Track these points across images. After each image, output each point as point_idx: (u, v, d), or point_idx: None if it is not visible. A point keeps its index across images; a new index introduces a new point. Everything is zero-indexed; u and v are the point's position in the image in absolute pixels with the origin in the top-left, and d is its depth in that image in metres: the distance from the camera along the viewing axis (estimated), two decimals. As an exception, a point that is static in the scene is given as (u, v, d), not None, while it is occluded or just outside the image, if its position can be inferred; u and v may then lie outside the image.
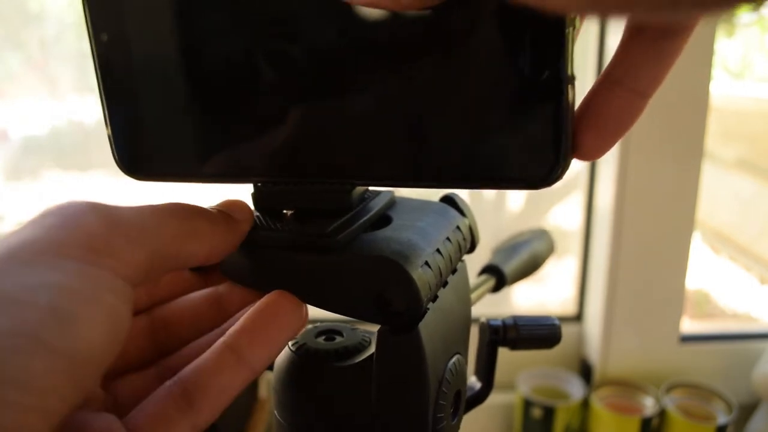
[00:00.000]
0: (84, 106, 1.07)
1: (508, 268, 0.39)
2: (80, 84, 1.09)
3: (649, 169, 0.81)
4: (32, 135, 1.12)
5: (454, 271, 0.28)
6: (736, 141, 1.28)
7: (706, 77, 0.78)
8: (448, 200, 0.31)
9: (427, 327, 0.25)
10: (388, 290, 0.24)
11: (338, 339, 0.29)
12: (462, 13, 0.21)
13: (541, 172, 0.22)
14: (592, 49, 0.87)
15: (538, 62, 0.21)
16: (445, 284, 0.27)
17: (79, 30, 1.05)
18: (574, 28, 0.21)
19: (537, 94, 0.21)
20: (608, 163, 0.84)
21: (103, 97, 0.27)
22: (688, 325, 0.93)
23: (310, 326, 0.31)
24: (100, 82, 0.27)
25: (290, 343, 0.29)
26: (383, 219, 0.28)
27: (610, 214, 0.83)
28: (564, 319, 0.96)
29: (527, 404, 0.82)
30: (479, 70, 0.22)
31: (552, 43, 0.21)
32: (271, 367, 0.32)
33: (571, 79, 0.21)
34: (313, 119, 0.24)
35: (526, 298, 1.04)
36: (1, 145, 1.14)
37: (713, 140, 0.88)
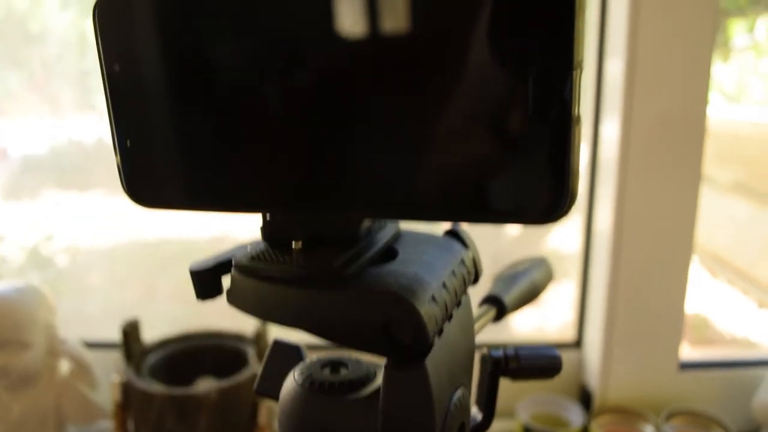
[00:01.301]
0: (84, 125, 1.08)
1: (509, 298, 0.39)
2: (81, 103, 1.09)
3: (648, 192, 0.81)
4: (32, 154, 1.12)
5: (458, 304, 0.29)
6: (733, 164, 1.29)
7: (704, 101, 0.79)
8: (452, 233, 0.31)
9: (433, 361, 0.25)
10: (396, 325, 0.24)
11: (343, 371, 0.29)
12: (471, 51, 0.22)
13: (546, 210, 0.22)
14: (589, 75, 0.88)
15: (546, 104, 0.21)
16: (450, 317, 0.27)
17: (80, 50, 1.06)
18: (581, 70, 0.21)
19: (544, 135, 0.22)
20: (607, 186, 0.84)
21: (113, 125, 0.27)
22: (688, 352, 0.93)
23: (314, 357, 0.31)
24: (111, 112, 0.27)
25: (295, 375, 0.30)
26: (389, 251, 0.29)
27: (608, 238, 0.84)
28: (563, 345, 0.96)
29: (527, 431, 0.82)
30: (488, 108, 0.22)
31: (559, 85, 0.21)
32: (271, 395, 0.32)
33: (578, 120, 0.22)
34: (321, 150, 0.25)
35: (525, 323, 1.04)
36: (1, 163, 1.14)
37: (710, 163, 0.88)
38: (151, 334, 0.89)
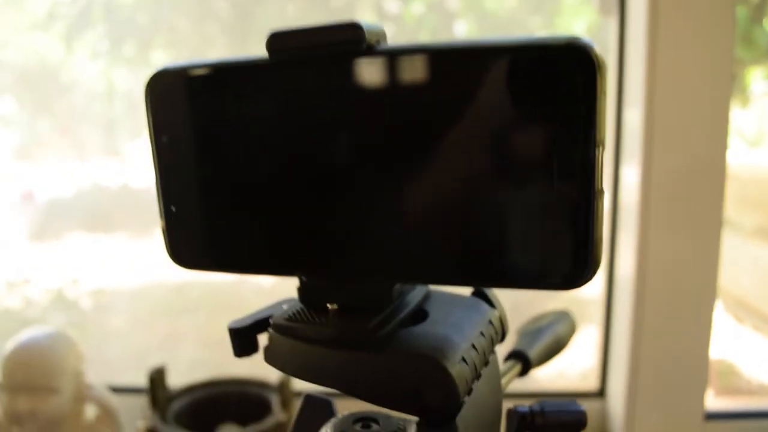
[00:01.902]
0: (109, 170, 1.11)
1: (533, 353, 0.40)
2: (107, 148, 1.12)
3: (670, 238, 0.82)
4: (58, 197, 1.15)
5: (486, 363, 0.30)
6: (755, 208, 1.28)
7: (723, 147, 0.80)
8: (479, 293, 0.32)
9: (463, 421, 0.26)
10: (428, 386, 0.25)
11: (374, 426, 0.30)
12: (498, 132, 0.23)
13: (570, 278, 0.23)
14: (609, 122, 0.89)
15: (570, 179, 0.23)
16: (479, 377, 0.28)
17: (108, 98, 1.09)
18: (603, 147, 0.23)
19: (568, 207, 0.23)
20: (628, 232, 0.85)
21: (160, 192, 0.29)
22: (713, 402, 0.92)
23: (346, 413, 0.32)
24: (158, 179, 0.29)
25: (328, 430, 0.30)
26: (420, 312, 0.30)
27: (631, 284, 0.84)
28: (587, 394, 0.95)
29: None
30: (514, 183, 0.24)
31: (583, 162, 0.22)
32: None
33: (600, 193, 0.23)
34: (351, 221, 0.26)
35: (546, 369, 1.03)
36: (28, 206, 1.17)
37: (732, 208, 0.88)
38: (174, 376, 0.90)
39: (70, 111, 1.13)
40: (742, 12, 1.00)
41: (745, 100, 1.13)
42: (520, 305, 0.86)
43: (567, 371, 1.04)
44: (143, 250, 1.13)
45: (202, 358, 1.11)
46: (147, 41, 1.09)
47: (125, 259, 1.14)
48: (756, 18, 1.06)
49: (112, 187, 1.12)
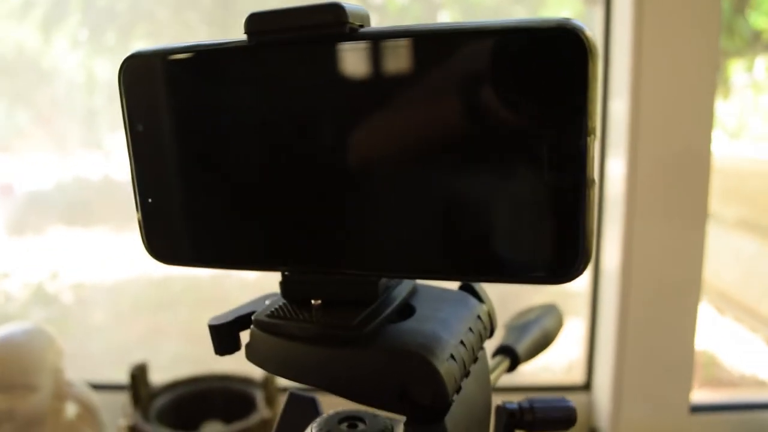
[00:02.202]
0: (90, 163, 1.09)
1: (521, 348, 0.39)
2: (87, 140, 1.10)
3: (655, 231, 0.82)
4: (38, 190, 1.13)
5: (475, 359, 0.29)
6: (737, 201, 1.29)
7: (707, 139, 0.80)
8: (467, 287, 0.32)
9: (452, 419, 0.25)
10: (415, 384, 0.25)
11: (361, 426, 0.29)
12: (487, 120, 0.23)
13: (561, 270, 0.23)
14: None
15: (561, 168, 0.22)
16: (467, 374, 0.28)
17: (88, 88, 1.07)
18: (594, 136, 0.22)
19: (559, 198, 0.22)
20: (614, 224, 0.85)
21: (135, 183, 0.28)
22: (698, 394, 0.92)
23: (332, 412, 0.31)
24: (133, 170, 0.28)
25: (313, 429, 0.30)
26: (407, 308, 0.29)
27: (616, 277, 0.84)
28: (573, 388, 0.95)
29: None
30: (504, 173, 0.23)
31: (574, 151, 0.22)
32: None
33: (592, 183, 0.22)
34: (334, 214, 0.25)
35: (532, 362, 1.03)
36: (6, 199, 1.15)
37: (714, 200, 0.89)
38: (156, 371, 0.89)
39: (50, 102, 1.10)
40: (725, 3, 1.01)
41: (726, 92, 1.14)
42: (507, 299, 0.85)
43: (553, 364, 1.04)
44: (125, 244, 1.11)
45: (185, 353, 1.10)
46: (127, 30, 1.07)
47: (107, 252, 1.12)
48: (739, 9, 1.06)
49: (94, 179, 1.10)
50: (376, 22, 1.01)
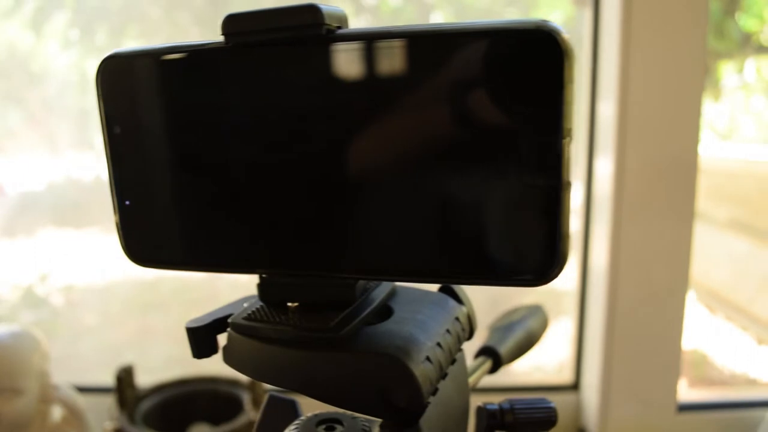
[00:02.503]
0: (82, 163, 1.08)
1: (504, 349, 0.39)
2: (79, 141, 1.10)
3: (643, 230, 0.82)
4: (29, 191, 1.12)
5: (453, 361, 0.29)
6: (728, 201, 1.30)
7: (695, 138, 0.81)
8: (446, 290, 0.32)
9: (428, 421, 0.25)
10: (391, 387, 0.24)
11: (338, 428, 0.29)
12: (462, 124, 0.23)
13: (538, 272, 0.23)
14: (584, 115, 0.89)
15: (537, 170, 0.22)
16: (444, 376, 0.27)
17: (80, 89, 1.07)
18: (570, 138, 0.22)
19: (535, 200, 0.22)
20: (601, 224, 0.85)
21: (113, 185, 0.28)
22: (686, 393, 0.92)
23: (310, 414, 0.31)
24: (111, 171, 0.28)
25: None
26: (385, 310, 0.29)
27: (604, 276, 0.84)
28: (561, 387, 0.95)
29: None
30: (481, 177, 0.23)
31: (550, 153, 0.22)
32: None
33: (568, 185, 0.22)
34: (314, 216, 0.25)
35: (522, 361, 1.03)
36: (-2, 200, 1.14)
37: (706, 201, 0.89)
38: (145, 373, 0.89)
39: (41, 102, 1.10)
40: (715, 5, 1.01)
41: (717, 94, 1.14)
42: (498, 300, 0.85)
43: (544, 364, 1.04)
44: (114, 246, 1.11)
45: (175, 355, 1.10)
46: (119, 30, 1.06)
47: (97, 254, 1.11)
48: (729, 11, 1.06)
49: (85, 180, 1.10)
50: (370, 24, 1.01)
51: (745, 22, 1.08)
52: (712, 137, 1.16)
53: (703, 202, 0.83)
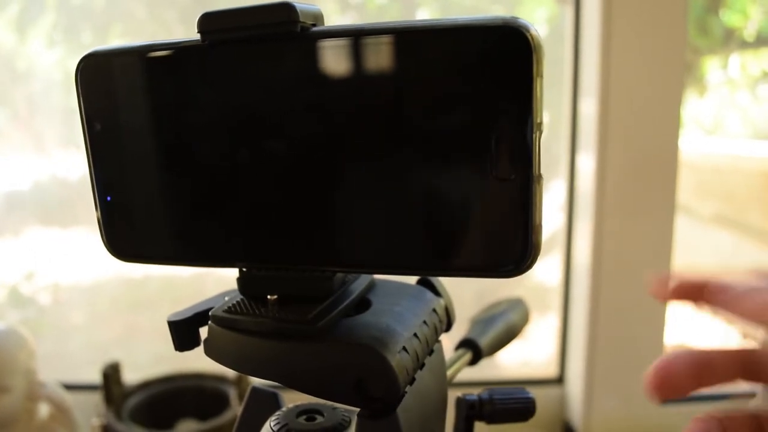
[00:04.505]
0: (68, 162, 1.08)
1: (484, 341, 0.39)
2: (65, 140, 1.09)
3: (625, 225, 0.83)
4: (15, 190, 1.12)
5: (430, 352, 0.29)
6: (713, 196, 1.31)
7: (676, 134, 0.82)
8: (424, 282, 0.32)
9: (405, 410, 0.26)
10: (367, 377, 0.25)
11: (319, 419, 0.30)
12: (437, 117, 0.23)
13: (511, 264, 0.23)
14: (565, 113, 0.89)
15: (508, 164, 0.22)
16: (422, 366, 0.28)
17: (66, 87, 1.06)
18: (540, 132, 0.23)
19: (507, 193, 0.23)
20: (584, 220, 0.86)
21: (94, 181, 0.28)
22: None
23: (291, 405, 0.31)
24: (91, 168, 0.28)
25: (272, 423, 0.30)
26: (363, 302, 0.29)
27: (587, 271, 0.85)
28: (546, 381, 0.96)
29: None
30: (453, 169, 0.23)
31: (520, 146, 0.22)
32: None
33: (539, 178, 0.23)
34: (294, 209, 0.26)
35: (510, 357, 1.04)
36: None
37: (690, 196, 0.90)
38: (133, 370, 0.89)
39: (27, 101, 1.09)
40: (698, 1, 1.02)
41: (702, 90, 1.15)
42: (484, 294, 0.86)
43: (531, 359, 1.05)
44: (101, 245, 1.10)
45: (163, 353, 1.10)
46: (104, 29, 1.06)
47: (84, 252, 1.11)
48: (712, 7, 1.07)
49: (71, 178, 1.10)
50: (355, 21, 1.01)
51: (729, 17, 1.10)
52: (698, 133, 1.17)
53: (688, 197, 0.84)
